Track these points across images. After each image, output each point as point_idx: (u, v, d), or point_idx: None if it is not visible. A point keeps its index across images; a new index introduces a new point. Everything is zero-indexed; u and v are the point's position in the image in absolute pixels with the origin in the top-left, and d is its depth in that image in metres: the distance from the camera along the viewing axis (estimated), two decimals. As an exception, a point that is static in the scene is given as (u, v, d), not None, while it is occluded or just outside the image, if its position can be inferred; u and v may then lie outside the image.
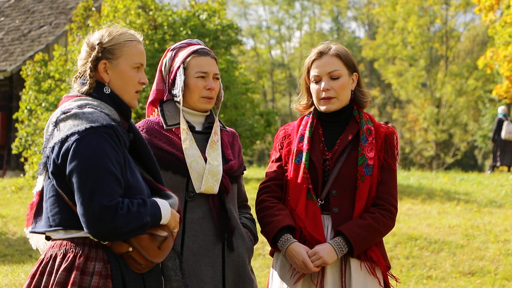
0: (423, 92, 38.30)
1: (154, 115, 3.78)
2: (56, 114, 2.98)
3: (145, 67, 3.15)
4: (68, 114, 2.91)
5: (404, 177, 16.25)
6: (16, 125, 15.70)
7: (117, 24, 3.17)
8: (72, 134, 2.84)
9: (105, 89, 3.04)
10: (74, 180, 2.81)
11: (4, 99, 20.80)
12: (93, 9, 16.20)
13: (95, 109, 2.94)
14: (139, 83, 3.10)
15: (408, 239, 9.64)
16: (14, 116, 16.02)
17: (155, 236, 2.92)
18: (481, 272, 8.45)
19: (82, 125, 2.85)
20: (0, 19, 23.51)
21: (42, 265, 2.93)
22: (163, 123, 3.66)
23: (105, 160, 2.82)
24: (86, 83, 3.04)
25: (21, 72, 16.26)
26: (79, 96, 3.04)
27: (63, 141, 2.85)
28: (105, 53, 3.04)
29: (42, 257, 2.97)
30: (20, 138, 14.87)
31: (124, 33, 3.09)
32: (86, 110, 2.91)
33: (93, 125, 2.84)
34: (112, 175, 2.82)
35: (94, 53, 3.04)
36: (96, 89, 3.04)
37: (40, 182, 3.04)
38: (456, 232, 10.08)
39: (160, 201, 2.98)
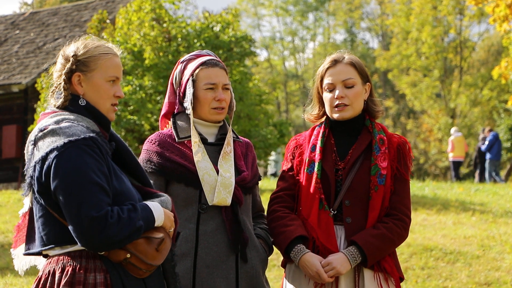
0: (438, 103, 38.18)
1: (168, 128, 3.77)
2: (34, 132, 2.95)
3: (121, 80, 3.10)
4: (45, 131, 2.88)
5: (419, 188, 16.19)
6: (31, 137, 15.76)
7: (95, 37, 3.12)
8: (51, 151, 2.81)
9: (80, 101, 3.00)
10: (60, 196, 2.78)
11: (19, 112, 20.94)
12: (108, 21, 16.33)
13: (72, 123, 2.90)
14: (115, 96, 3.05)
15: (424, 249, 9.60)
16: (29, 129, 16.13)
17: (151, 239, 2.88)
18: (497, 282, 8.40)
19: (60, 141, 2.81)
20: (15, 32, 23.68)
21: (41, 281, 2.88)
22: (175, 136, 3.66)
23: (87, 172, 2.78)
24: (61, 96, 3.01)
25: (36, 85, 16.37)
26: (56, 112, 3.00)
27: (43, 159, 2.82)
28: (79, 65, 3.00)
29: (40, 274, 2.92)
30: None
31: (100, 45, 3.05)
32: (63, 125, 2.88)
33: (71, 139, 2.81)
34: (96, 185, 2.78)
35: (68, 65, 3.01)
36: (72, 102, 3.00)
37: (27, 203, 3.00)
38: (471, 243, 10.02)
39: (151, 204, 2.94)
